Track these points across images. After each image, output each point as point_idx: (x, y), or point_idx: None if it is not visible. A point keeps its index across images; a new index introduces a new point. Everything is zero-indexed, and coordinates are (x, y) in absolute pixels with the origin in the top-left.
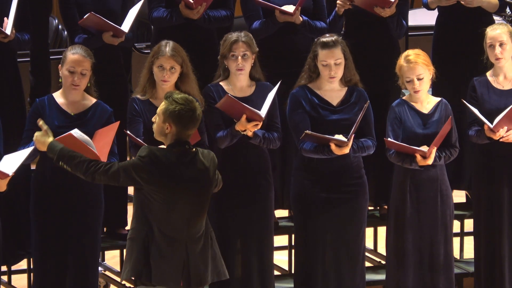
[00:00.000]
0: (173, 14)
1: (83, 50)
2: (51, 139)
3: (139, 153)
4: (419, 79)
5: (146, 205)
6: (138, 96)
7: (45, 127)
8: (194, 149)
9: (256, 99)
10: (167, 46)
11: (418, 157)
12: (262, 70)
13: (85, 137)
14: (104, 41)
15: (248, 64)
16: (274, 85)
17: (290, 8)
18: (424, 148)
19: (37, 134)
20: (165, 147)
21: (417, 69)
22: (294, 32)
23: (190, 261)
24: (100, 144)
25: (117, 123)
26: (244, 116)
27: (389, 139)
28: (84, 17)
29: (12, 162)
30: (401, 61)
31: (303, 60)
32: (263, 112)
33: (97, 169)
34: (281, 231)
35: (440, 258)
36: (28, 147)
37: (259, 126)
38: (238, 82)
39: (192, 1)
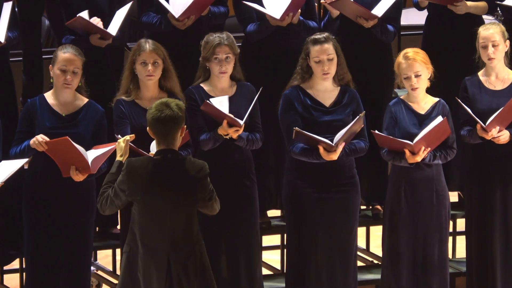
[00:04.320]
0: (162, 21)
1: (74, 49)
2: (118, 158)
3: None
4: (416, 76)
5: (132, 217)
6: (123, 97)
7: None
8: (181, 157)
9: (237, 100)
10: (147, 43)
11: (407, 152)
12: (248, 72)
13: (79, 146)
14: (91, 43)
15: (231, 66)
16: (255, 86)
17: (277, 14)
18: (418, 147)
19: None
20: (152, 154)
21: (415, 66)
22: (287, 34)
23: (172, 274)
24: (94, 158)
25: (111, 150)
26: (225, 121)
27: (376, 131)
28: (72, 19)
29: (3, 170)
30: (400, 58)
31: (295, 62)
32: (243, 118)
33: (101, 202)
34: (273, 230)
35: (434, 259)
36: (21, 150)
37: (240, 132)
38: (220, 83)
39: (177, 17)
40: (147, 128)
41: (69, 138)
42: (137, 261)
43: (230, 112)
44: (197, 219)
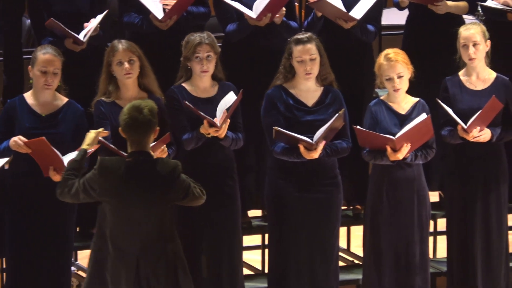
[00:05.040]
0: (144, 22)
1: (53, 49)
2: (84, 146)
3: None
4: (399, 77)
5: (104, 217)
6: (103, 98)
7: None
8: (152, 159)
9: (219, 99)
10: (120, 42)
11: (389, 149)
12: (229, 71)
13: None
14: None
15: (212, 65)
16: (236, 85)
17: (253, 14)
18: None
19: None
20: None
21: (398, 67)
22: (269, 34)
23: (140, 276)
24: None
25: (92, 150)
26: (205, 121)
27: (358, 126)
28: (48, 20)
29: None
30: (381, 59)
31: (276, 61)
32: (219, 120)
33: (63, 189)
34: (254, 230)
35: (416, 259)
36: (0, 151)
37: (220, 132)
38: (201, 83)
39: (160, 18)
40: (119, 128)
41: (45, 139)
42: (105, 260)
43: (212, 112)
44: (171, 218)
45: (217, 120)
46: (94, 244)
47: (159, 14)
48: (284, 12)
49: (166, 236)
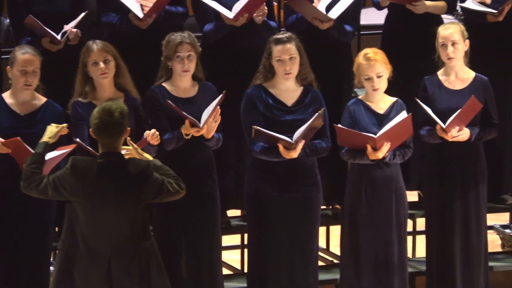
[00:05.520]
0: (123, 21)
1: (32, 49)
2: (44, 139)
3: (67, 164)
4: (378, 77)
5: (74, 216)
6: (80, 99)
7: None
8: (124, 159)
9: (199, 100)
10: (95, 43)
11: (369, 148)
12: (208, 71)
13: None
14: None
15: (193, 64)
16: (215, 85)
17: (230, 14)
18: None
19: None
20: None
21: (377, 67)
22: (248, 34)
23: (113, 276)
24: (48, 159)
25: (67, 152)
26: (187, 121)
27: (339, 125)
28: (27, 18)
29: None
30: (360, 59)
31: (255, 61)
32: (202, 121)
33: (30, 183)
34: (233, 230)
35: (394, 258)
36: None
37: (201, 132)
38: (182, 83)
39: (141, 16)
40: (90, 130)
41: (19, 139)
42: (75, 259)
43: (193, 112)
44: (144, 217)
45: (202, 121)
46: (63, 242)
47: (139, 13)
48: (266, 11)
49: (139, 235)
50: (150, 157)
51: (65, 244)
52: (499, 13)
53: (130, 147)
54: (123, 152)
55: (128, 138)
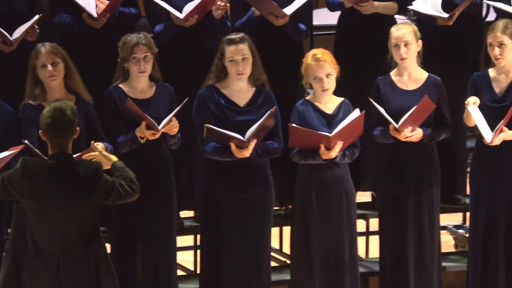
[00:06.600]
0: (76, 22)
1: None
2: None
3: (17, 165)
4: (328, 77)
5: (23, 217)
6: (30, 101)
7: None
8: (74, 161)
9: (156, 100)
10: (43, 45)
11: (322, 148)
12: (162, 72)
13: None
14: None
15: (150, 65)
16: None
17: (180, 14)
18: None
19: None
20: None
21: (326, 67)
22: (201, 34)
23: (61, 276)
24: None
25: (14, 153)
26: (144, 123)
27: (293, 124)
28: None
29: None
30: (308, 59)
31: (208, 61)
32: (161, 125)
33: None
34: (186, 231)
35: (345, 258)
36: None
37: (157, 136)
38: (139, 84)
39: (95, 16)
40: (40, 132)
41: None
42: (23, 260)
43: (151, 113)
44: (94, 218)
45: (161, 125)
46: (11, 242)
47: (93, 13)
48: (226, 7)
49: (88, 236)
50: (115, 159)
51: (14, 245)
52: (449, 18)
53: (96, 152)
54: (89, 158)
55: (92, 141)
